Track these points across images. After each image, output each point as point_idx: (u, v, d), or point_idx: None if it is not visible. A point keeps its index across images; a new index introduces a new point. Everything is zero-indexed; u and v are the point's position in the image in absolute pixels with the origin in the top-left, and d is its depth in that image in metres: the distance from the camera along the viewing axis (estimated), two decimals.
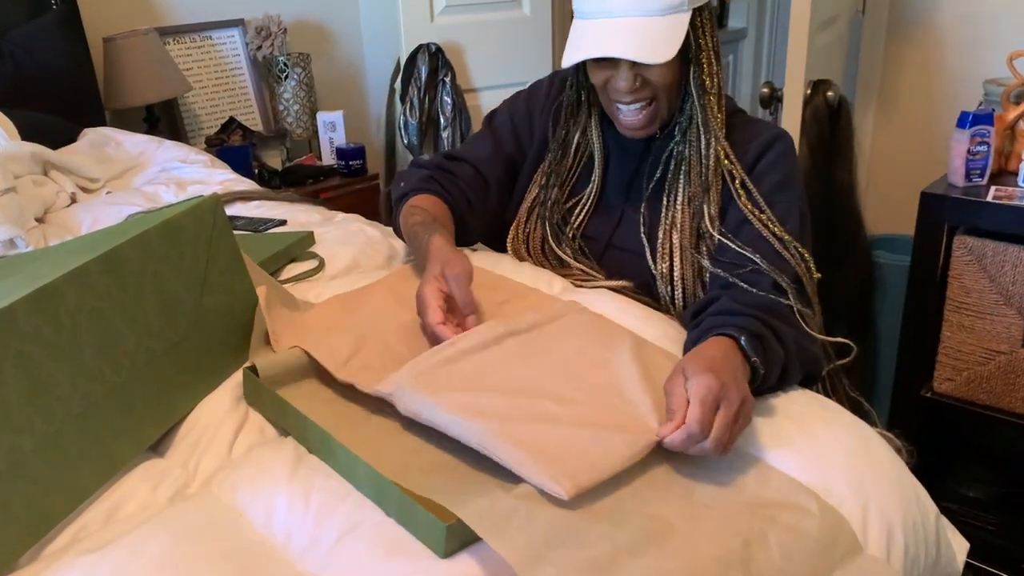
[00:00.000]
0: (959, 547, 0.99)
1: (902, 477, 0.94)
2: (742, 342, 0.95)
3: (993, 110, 1.82)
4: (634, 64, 1.12)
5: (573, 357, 0.95)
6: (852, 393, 1.25)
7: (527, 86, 1.36)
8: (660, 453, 0.83)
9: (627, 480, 0.79)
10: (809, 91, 1.86)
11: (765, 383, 0.97)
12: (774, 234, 1.11)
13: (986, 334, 1.76)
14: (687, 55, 1.15)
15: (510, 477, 0.78)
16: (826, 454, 0.91)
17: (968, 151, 1.75)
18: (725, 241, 1.13)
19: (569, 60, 1.13)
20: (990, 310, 1.75)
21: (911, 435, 1.89)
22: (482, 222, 1.31)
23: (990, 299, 1.74)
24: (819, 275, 1.14)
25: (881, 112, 2.48)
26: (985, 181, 1.78)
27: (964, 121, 1.74)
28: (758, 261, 1.09)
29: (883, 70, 2.43)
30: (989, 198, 1.72)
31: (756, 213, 1.13)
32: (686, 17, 1.11)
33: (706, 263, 1.15)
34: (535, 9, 2.67)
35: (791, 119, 1.85)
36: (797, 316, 1.07)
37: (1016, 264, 1.69)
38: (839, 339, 1.14)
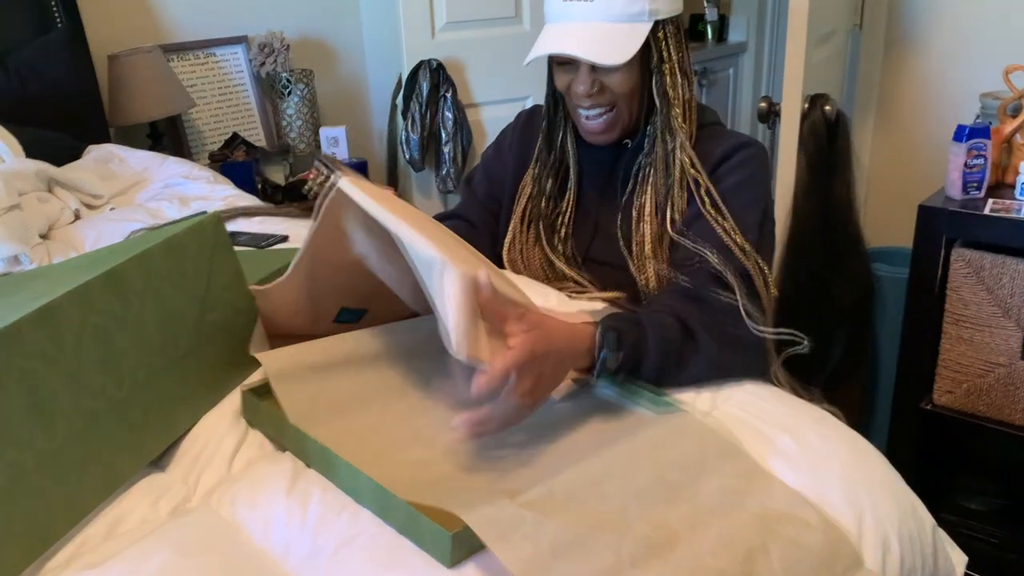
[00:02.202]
0: (958, 560, 0.99)
1: (898, 488, 0.94)
2: (599, 331, 0.96)
3: (990, 123, 1.83)
4: (593, 69, 1.16)
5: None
6: (793, 384, 1.25)
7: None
8: (667, 458, 0.84)
9: (635, 483, 0.80)
10: (807, 106, 1.87)
11: (630, 365, 0.98)
12: (735, 242, 1.13)
13: (985, 346, 1.77)
14: (649, 65, 1.18)
15: (515, 486, 0.79)
16: (821, 465, 0.91)
17: (965, 164, 1.76)
18: (679, 240, 1.16)
19: (528, 57, 1.18)
20: (989, 322, 1.75)
21: (912, 448, 1.90)
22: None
23: (988, 311, 1.75)
24: (775, 292, 1.16)
25: (879, 125, 2.49)
26: (982, 194, 1.78)
27: (961, 134, 1.75)
28: (706, 254, 1.11)
29: (881, 84, 2.44)
30: (986, 211, 1.73)
31: (719, 220, 1.15)
32: (646, 27, 1.14)
33: (663, 271, 1.18)
34: (535, 25, 2.69)
35: (789, 134, 1.86)
36: (740, 310, 1.08)
37: (1014, 276, 1.70)
38: (785, 332, 1.13)
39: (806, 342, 1.14)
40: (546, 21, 1.19)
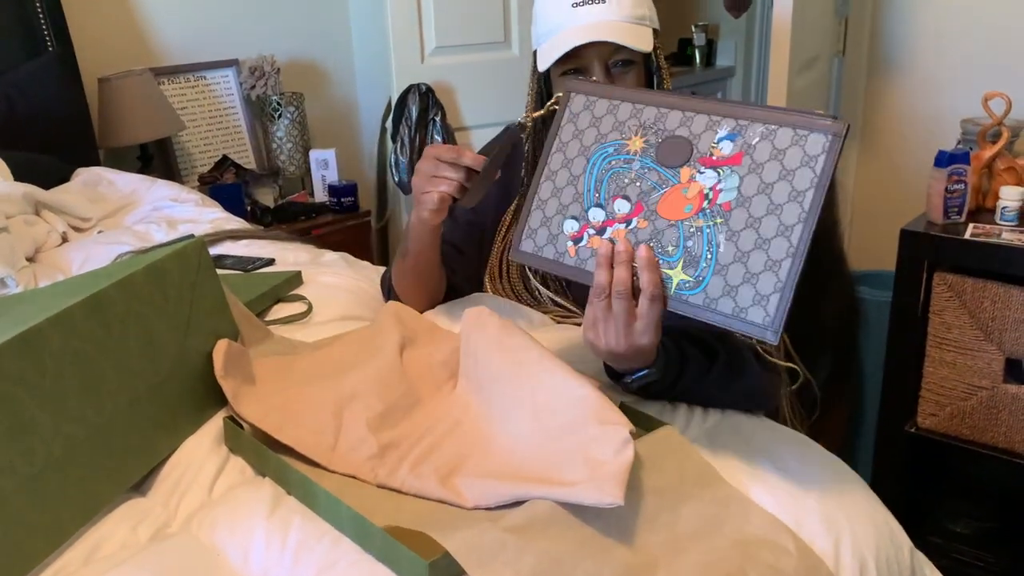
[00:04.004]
0: None
1: (876, 512, 0.95)
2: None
3: (970, 149, 1.85)
4: (608, 72, 1.17)
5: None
6: (800, 418, 1.27)
7: None
8: (647, 483, 0.85)
9: (614, 509, 0.81)
10: None
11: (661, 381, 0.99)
12: None
13: (967, 369, 1.78)
14: (650, 70, 1.21)
15: (497, 508, 0.80)
16: (800, 489, 0.92)
17: (946, 189, 1.78)
18: None
19: (550, 59, 1.16)
20: (971, 346, 1.77)
21: (897, 470, 1.91)
22: (466, 279, 1.34)
23: (970, 335, 1.76)
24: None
25: (863, 151, 2.52)
26: (963, 218, 1.81)
27: (941, 160, 1.77)
28: None
29: (864, 110, 2.48)
30: (967, 235, 1.75)
31: None
32: (650, 31, 1.17)
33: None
34: (524, 50, 2.72)
35: None
36: (748, 352, 1.10)
37: (995, 300, 1.71)
38: (788, 364, 1.16)
39: (800, 377, 1.16)
40: (550, 32, 1.18)
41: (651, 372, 0.96)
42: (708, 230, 0.85)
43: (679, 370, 1.00)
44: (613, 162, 0.93)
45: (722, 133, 0.87)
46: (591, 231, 0.92)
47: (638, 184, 0.90)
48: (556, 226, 0.93)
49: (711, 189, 0.86)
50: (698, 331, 1.06)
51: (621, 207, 0.90)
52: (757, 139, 0.85)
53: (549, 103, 1.10)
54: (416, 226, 1.15)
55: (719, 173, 0.86)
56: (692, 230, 0.86)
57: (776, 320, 0.80)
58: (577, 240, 0.92)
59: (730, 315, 0.82)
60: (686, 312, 0.85)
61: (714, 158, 0.87)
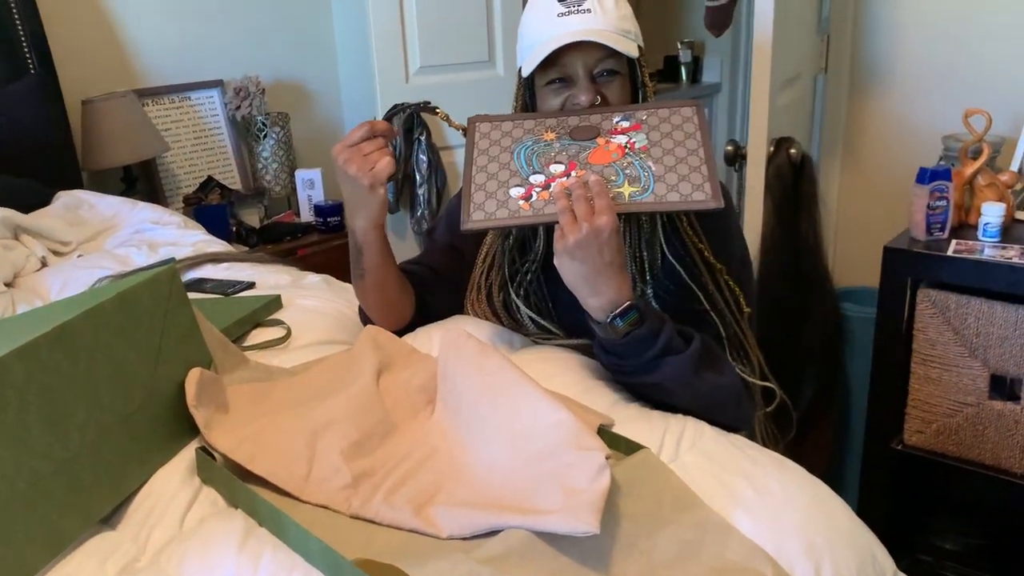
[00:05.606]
0: None
1: (858, 535, 0.94)
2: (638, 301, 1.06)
3: (952, 165, 1.86)
4: (593, 80, 1.17)
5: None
6: (773, 439, 1.28)
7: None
8: (623, 509, 0.84)
9: (591, 536, 0.80)
10: (772, 149, 1.90)
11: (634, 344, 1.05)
12: (706, 261, 1.17)
13: (953, 386, 1.78)
14: (635, 85, 1.21)
15: (471, 539, 0.79)
16: (780, 513, 0.91)
17: (928, 206, 1.78)
18: (667, 283, 1.19)
19: (535, 61, 1.15)
20: (955, 362, 1.76)
21: (884, 488, 1.91)
22: (443, 302, 1.33)
23: (955, 351, 1.76)
24: (749, 309, 1.19)
25: (846, 167, 2.53)
26: (946, 235, 1.81)
27: (923, 177, 1.78)
28: (700, 299, 1.18)
29: (846, 127, 2.49)
30: (950, 252, 1.75)
31: (695, 243, 1.19)
32: (635, 44, 1.18)
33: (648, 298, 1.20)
34: (508, 69, 2.73)
35: (755, 177, 1.88)
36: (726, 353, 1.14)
37: (979, 316, 1.71)
38: (764, 383, 1.17)
39: (778, 395, 1.16)
40: (536, 43, 1.17)
41: (632, 309, 1.03)
42: (637, 162, 1.08)
43: (661, 322, 1.05)
44: (535, 147, 1.12)
45: (616, 118, 1.14)
46: (538, 189, 1.07)
47: (564, 153, 1.10)
48: (503, 195, 1.07)
49: (628, 143, 1.10)
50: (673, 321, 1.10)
51: (556, 168, 1.09)
52: (645, 116, 1.13)
53: (457, 123, 1.20)
54: (363, 228, 1.16)
55: (628, 135, 1.11)
56: (625, 164, 1.08)
57: (715, 194, 1.04)
58: (527, 198, 1.07)
59: (679, 202, 1.04)
60: (643, 209, 1.04)
61: (618, 130, 1.12)
